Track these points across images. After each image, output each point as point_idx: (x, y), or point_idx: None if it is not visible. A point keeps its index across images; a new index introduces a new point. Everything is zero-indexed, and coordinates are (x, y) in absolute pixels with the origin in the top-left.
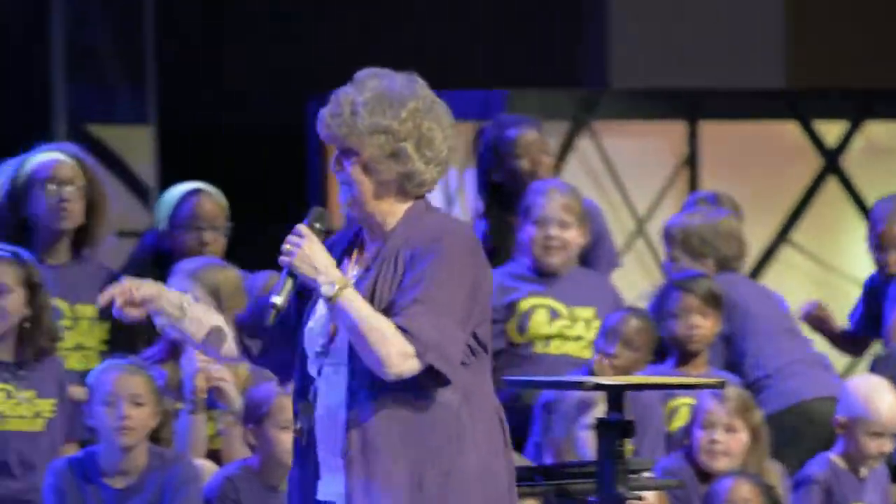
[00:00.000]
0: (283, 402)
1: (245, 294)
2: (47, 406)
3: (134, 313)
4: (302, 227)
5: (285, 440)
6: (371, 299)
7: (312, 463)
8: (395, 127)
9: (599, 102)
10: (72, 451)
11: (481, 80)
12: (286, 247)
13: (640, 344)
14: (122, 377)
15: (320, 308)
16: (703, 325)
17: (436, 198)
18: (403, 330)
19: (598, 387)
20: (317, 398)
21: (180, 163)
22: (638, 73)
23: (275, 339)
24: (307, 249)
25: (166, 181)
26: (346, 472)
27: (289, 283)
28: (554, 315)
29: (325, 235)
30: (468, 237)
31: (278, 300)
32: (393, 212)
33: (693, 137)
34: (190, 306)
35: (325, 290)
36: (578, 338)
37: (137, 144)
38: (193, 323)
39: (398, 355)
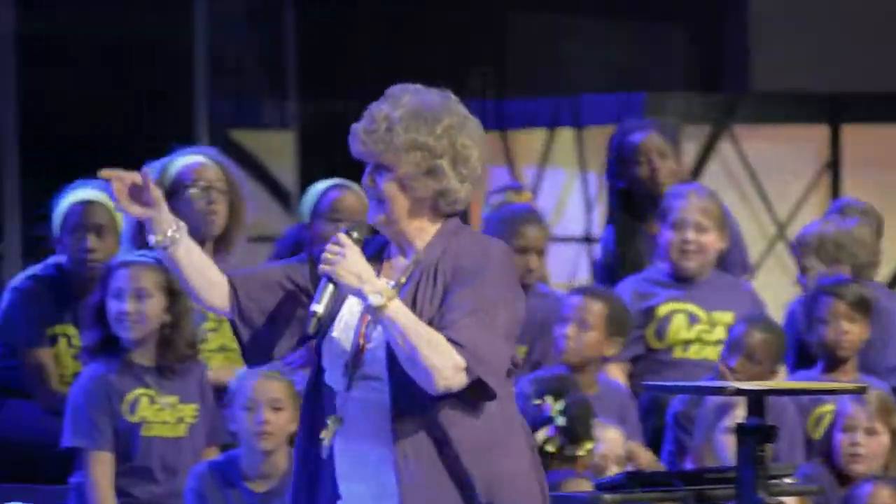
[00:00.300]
0: None
1: None
2: (190, 411)
3: (130, 208)
4: (341, 237)
5: None
6: (412, 312)
7: (328, 479)
8: (431, 143)
9: (740, 106)
10: (213, 455)
11: (622, 84)
12: (327, 255)
13: (762, 357)
14: (262, 382)
15: (345, 317)
16: (851, 331)
17: (575, 203)
18: (456, 343)
19: (739, 392)
20: (344, 411)
21: (321, 167)
22: (779, 77)
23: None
24: (349, 259)
25: (307, 185)
26: (401, 487)
27: (329, 292)
28: (693, 320)
29: (361, 245)
30: (508, 256)
31: (319, 308)
32: (425, 229)
33: (835, 141)
34: (183, 232)
35: (374, 299)
36: (718, 342)
37: (279, 149)
38: (186, 258)
39: (451, 368)
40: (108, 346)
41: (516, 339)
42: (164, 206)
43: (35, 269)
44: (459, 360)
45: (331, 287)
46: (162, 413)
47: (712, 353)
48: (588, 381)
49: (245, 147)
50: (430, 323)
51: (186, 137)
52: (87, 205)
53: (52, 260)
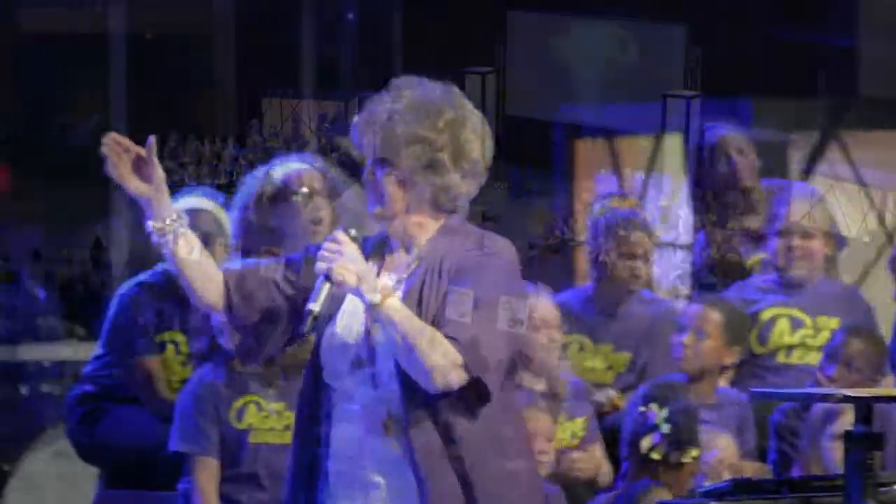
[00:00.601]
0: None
1: None
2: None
3: (130, 182)
4: (339, 234)
5: None
6: (417, 309)
7: (322, 477)
8: (431, 137)
9: (848, 112)
10: None
11: (728, 89)
12: (324, 253)
13: (861, 366)
14: None
15: (345, 317)
16: None
17: (682, 209)
18: (456, 341)
19: (846, 399)
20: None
21: None
22: (888, 83)
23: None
24: (347, 257)
25: None
26: (429, 482)
27: (325, 290)
28: (797, 325)
29: (359, 242)
30: (513, 254)
31: (315, 307)
32: (426, 225)
33: None
34: (184, 223)
35: (371, 297)
36: (822, 348)
37: None
38: (186, 252)
39: (449, 366)
40: (216, 354)
41: (517, 338)
42: (166, 191)
43: (142, 276)
44: (458, 358)
45: (327, 286)
46: (269, 420)
47: (816, 359)
48: (706, 389)
49: (351, 152)
50: (434, 320)
51: (293, 142)
52: (193, 213)
53: (159, 267)
